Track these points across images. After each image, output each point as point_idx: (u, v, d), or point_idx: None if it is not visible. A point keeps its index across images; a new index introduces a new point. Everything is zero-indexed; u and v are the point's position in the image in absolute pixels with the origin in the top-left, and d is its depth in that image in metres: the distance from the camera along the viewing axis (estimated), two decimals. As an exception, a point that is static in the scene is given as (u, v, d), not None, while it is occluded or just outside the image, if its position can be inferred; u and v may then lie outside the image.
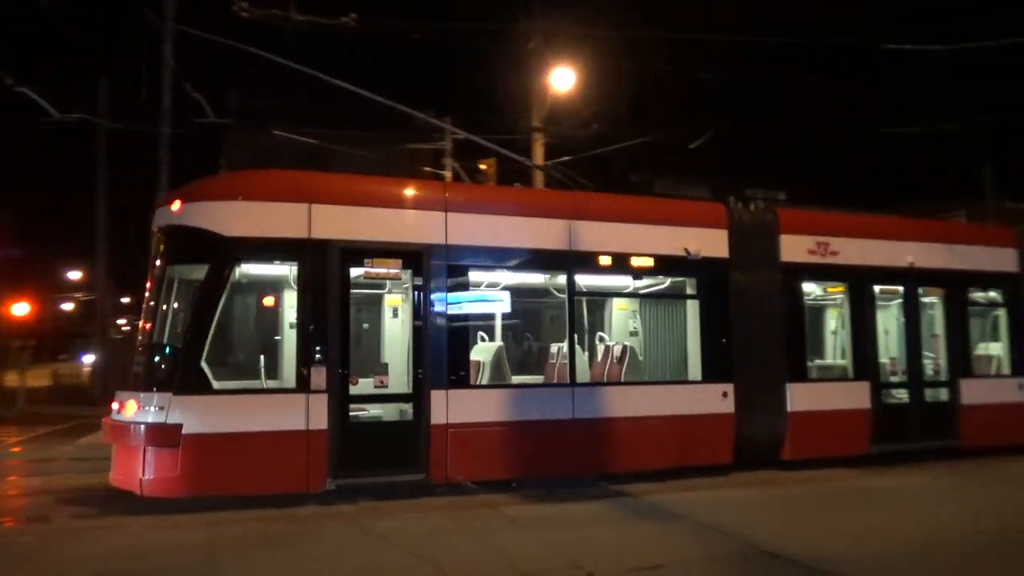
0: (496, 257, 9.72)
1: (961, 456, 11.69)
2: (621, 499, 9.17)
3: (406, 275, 9.35)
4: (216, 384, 8.66)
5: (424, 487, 9.15)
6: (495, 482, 9.50)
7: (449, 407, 9.14)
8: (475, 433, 9.23)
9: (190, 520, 8.04)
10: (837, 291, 11.86)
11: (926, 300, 12.14)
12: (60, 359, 44.95)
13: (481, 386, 9.78)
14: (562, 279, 10.11)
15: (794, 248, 11.12)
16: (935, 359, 12.11)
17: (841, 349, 12.27)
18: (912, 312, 11.87)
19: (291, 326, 9.28)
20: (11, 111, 20.46)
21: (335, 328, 8.86)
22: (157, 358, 8.87)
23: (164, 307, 9.08)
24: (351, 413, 8.95)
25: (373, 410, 9.32)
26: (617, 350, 10.64)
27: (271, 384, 9.19)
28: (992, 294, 12.75)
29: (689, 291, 10.79)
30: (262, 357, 9.38)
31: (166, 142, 16.13)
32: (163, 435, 8.29)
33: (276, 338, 9.58)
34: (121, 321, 49.70)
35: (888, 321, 12.21)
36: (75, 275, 45.68)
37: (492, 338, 10.82)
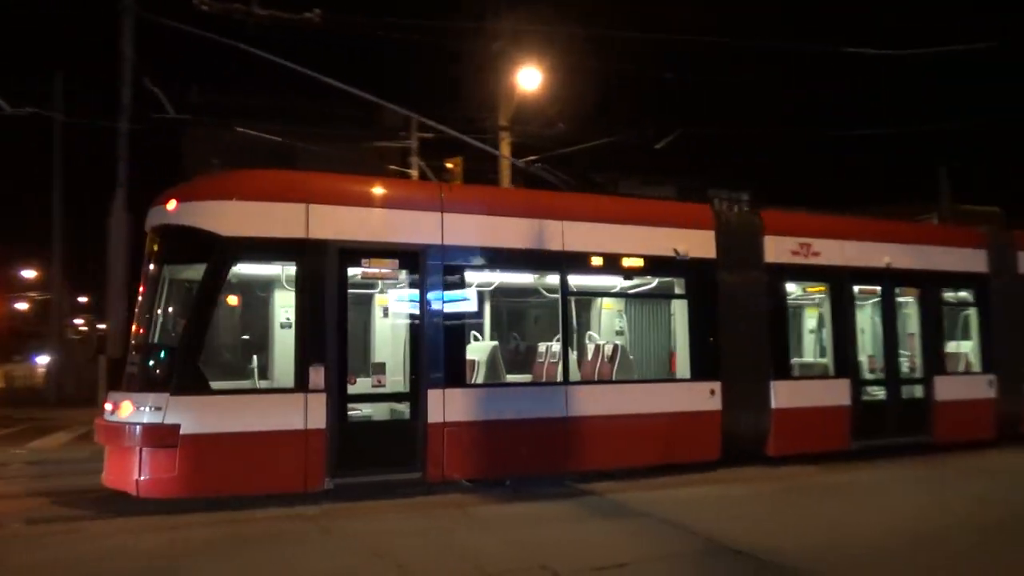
0: (491, 257, 9.81)
1: (934, 451, 12.07)
2: (587, 498, 9.23)
3: (403, 275, 9.41)
4: (214, 384, 8.63)
5: (421, 485, 9.20)
6: (490, 481, 9.62)
7: (446, 406, 9.20)
8: (471, 431, 9.31)
9: (152, 523, 7.93)
10: (818, 291, 12.18)
11: (902, 300, 12.51)
12: (14, 360, 43.82)
13: (477, 385, 9.88)
14: (555, 279, 10.24)
15: (778, 249, 11.40)
16: (910, 357, 12.51)
17: (822, 347, 12.59)
18: (889, 311, 12.24)
19: (288, 326, 9.25)
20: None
21: (333, 328, 8.87)
22: (153, 358, 8.83)
23: (159, 307, 9.02)
24: (349, 412, 8.97)
25: (371, 409, 9.35)
26: (608, 349, 10.81)
27: (269, 384, 9.16)
28: (963, 294, 13.19)
29: (678, 291, 11.00)
30: (259, 357, 9.35)
31: (124, 138, 15.78)
32: (160, 436, 8.23)
33: (274, 338, 9.55)
34: (78, 321, 48.73)
35: (866, 320, 12.57)
36: (30, 274, 44.60)
37: (487, 337, 10.90)
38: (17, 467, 12.18)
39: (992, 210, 37.28)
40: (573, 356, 10.48)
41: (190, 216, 8.87)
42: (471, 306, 9.91)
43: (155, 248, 9.18)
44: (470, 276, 9.76)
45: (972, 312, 13.20)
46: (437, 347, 9.29)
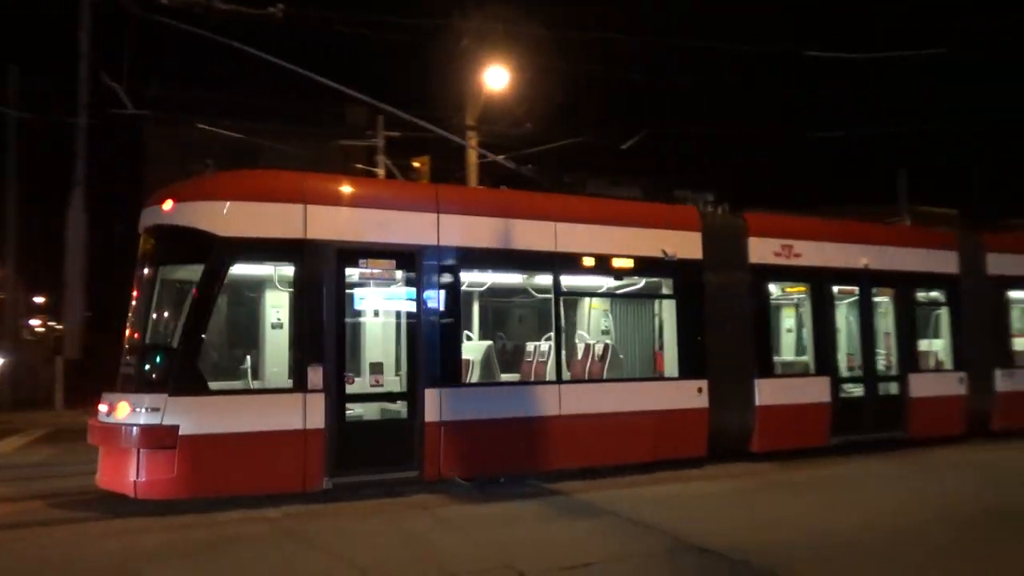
0: (486, 258, 9.92)
1: (909, 446, 12.45)
2: (555, 497, 9.23)
3: (400, 275, 9.46)
4: (212, 384, 8.60)
5: (418, 484, 9.26)
6: (486, 479, 9.72)
7: (442, 405, 9.28)
8: (467, 430, 9.40)
9: (108, 528, 7.82)
10: (800, 291, 12.50)
11: (878, 300, 12.89)
12: (-34, 362, 42.61)
13: (473, 384, 9.98)
14: (548, 279, 10.37)
15: (761, 250, 11.68)
16: (886, 355, 12.89)
17: (802, 346, 12.91)
18: (866, 311, 12.60)
19: (285, 326, 9.26)
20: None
21: (331, 328, 8.90)
22: (150, 359, 8.78)
23: (154, 308, 8.97)
24: (347, 412, 9.01)
25: (369, 409, 9.40)
26: (599, 348, 10.97)
27: (267, 384, 9.16)
28: (935, 294, 13.62)
29: (665, 291, 11.21)
30: (258, 357, 9.34)
31: (82, 133, 15.38)
32: (159, 437, 8.20)
33: (272, 338, 9.54)
34: (34, 322, 47.58)
35: (844, 319, 12.91)
36: (-18, 273, 43.46)
37: (482, 336, 11.01)
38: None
39: (949, 212, 38.42)
40: (565, 355, 10.62)
41: (187, 217, 8.84)
42: (467, 306, 10.01)
43: (150, 249, 9.13)
44: (465, 276, 9.86)
45: (943, 311, 13.63)
46: (433, 347, 9.37)
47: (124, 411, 8.41)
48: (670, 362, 11.06)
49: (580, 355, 11.08)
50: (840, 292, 12.49)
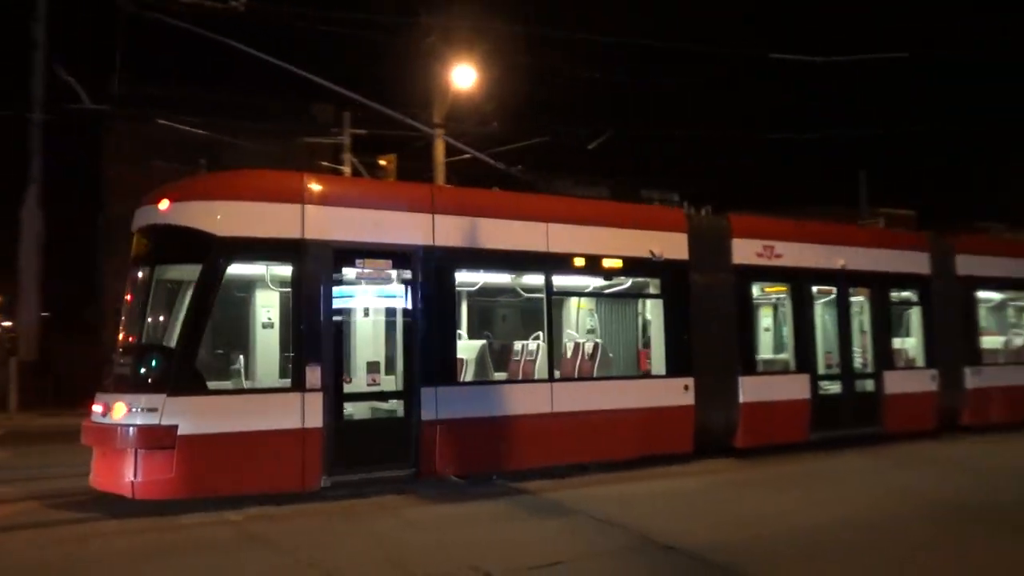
0: (480, 258, 10.05)
1: (884, 441, 12.83)
2: (521, 497, 9.21)
3: (396, 275, 9.53)
4: (210, 384, 8.60)
5: (415, 481, 9.35)
6: (480, 476, 9.84)
7: (438, 403, 9.38)
8: (463, 428, 9.51)
9: (67, 534, 7.66)
10: (780, 291, 12.81)
11: (854, 299, 13.27)
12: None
13: (468, 383, 10.11)
14: (540, 279, 10.52)
15: (744, 251, 11.96)
16: (862, 353, 13.27)
17: (783, 344, 13.23)
18: (843, 310, 12.97)
19: (283, 326, 9.29)
20: None
21: (328, 327, 8.96)
22: (147, 359, 8.74)
23: (150, 308, 8.93)
24: (345, 411, 9.07)
25: (366, 408, 9.46)
26: (588, 347, 11.15)
27: (265, 384, 9.19)
28: (908, 294, 14.04)
29: (653, 291, 11.44)
30: (256, 357, 9.36)
31: (37, 129, 15.14)
32: (157, 437, 8.19)
33: (270, 338, 9.56)
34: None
35: (823, 318, 13.25)
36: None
37: (475, 335, 11.12)
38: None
39: (908, 213, 39.38)
40: (557, 354, 10.78)
41: (184, 216, 8.83)
42: (462, 305, 10.12)
43: (146, 248, 9.10)
44: (460, 276, 9.98)
45: (916, 311, 14.06)
46: (429, 346, 9.47)
47: (121, 411, 8.36)
48: (657, 360, 11.29)
49: (571, 354, 11.25)
50: (819, 292, 12.85)
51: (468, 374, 10.39)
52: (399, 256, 9.44)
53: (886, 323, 13.42)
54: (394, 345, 9.73)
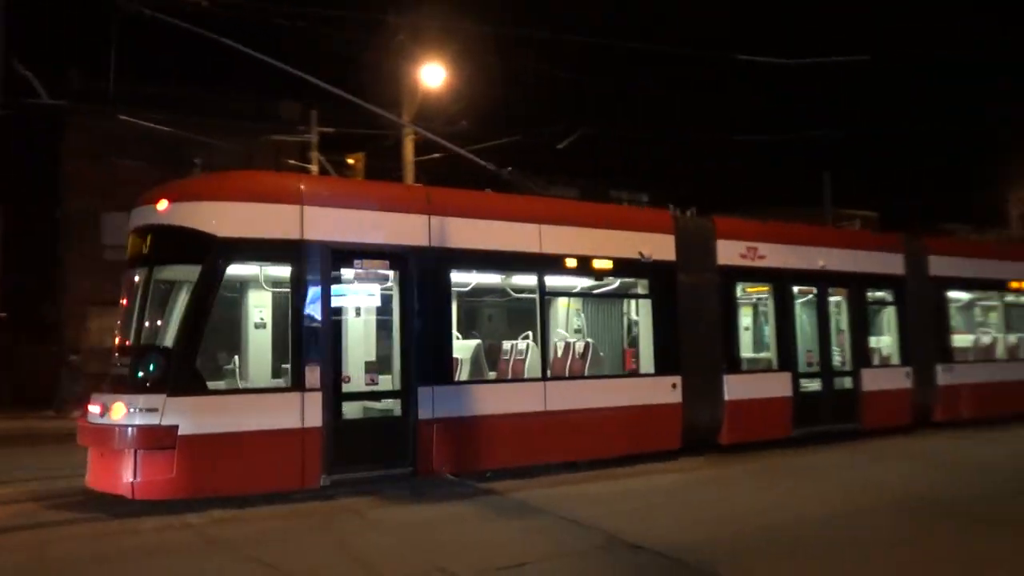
0: (475, 258, 10.18)
1: (862, 436, 13.20)
2: (489, 497, 9.15)
3: (393, 275, 9.62)
4: (210, 384, 8.62)
5: (412, 479, 9.44)
6: (476, 474, 9.93)
7: (435, 402, 9.50)
8: (459, 426, 9.64)
9: (22, 541, 7.47)
10: (763, 291, 13.12)
11: (833, 299, 13.63)
12: None
13: (464, 382, 10.23)
14: (533, 279, 10.68)
15: (729, 252, 12.24)
16: (841, 351, 13.64)
17: (765, 343, 13.54)
18: (823, 309, 13.32)
19: (283, 326, 9.33)
20: None
21: (327, 327, 9.03)
22: (146, 360, 8.71)
23: (149, 308, 8.92)
24: (343, 410, 9.15)
25: (364, 407, 9.54)
26: (579, 346, 11.34)
27: (265, 383, 9.22)
28: (883, 294, 14.45)
29: (641, 291, 11.67)
30: (255, 357, 9.38)
31: None
32: (158, 437, 8.21)
33: (269, 338, 9.60)
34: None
35: (803, 318, 13.59)
36: None
37: (470, 335, 11.24)
38: None
39: (870, 214, 40.23)
40: (550, 353, 10.95)
41: (184, 217, 8.84)
42: (457, 305, 10.23)
43: (144, 249, 9.07)
44: (456, 276, 10.11)
45: (891, 310, 14.48)
46: (426, 345, 9.59)
47: (120, 412, 8.36)
48: (646, 359, 11.50)
49: (563, 353, 11.43)
50: (799, 292, 13.18)
51: (463, 373, 10.52)
52: (396, 257, 9.54)
53: (863, 322, 13.81)
54: (391, 345, 9.82)
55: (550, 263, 10.65)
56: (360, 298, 9.53)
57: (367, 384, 9.48)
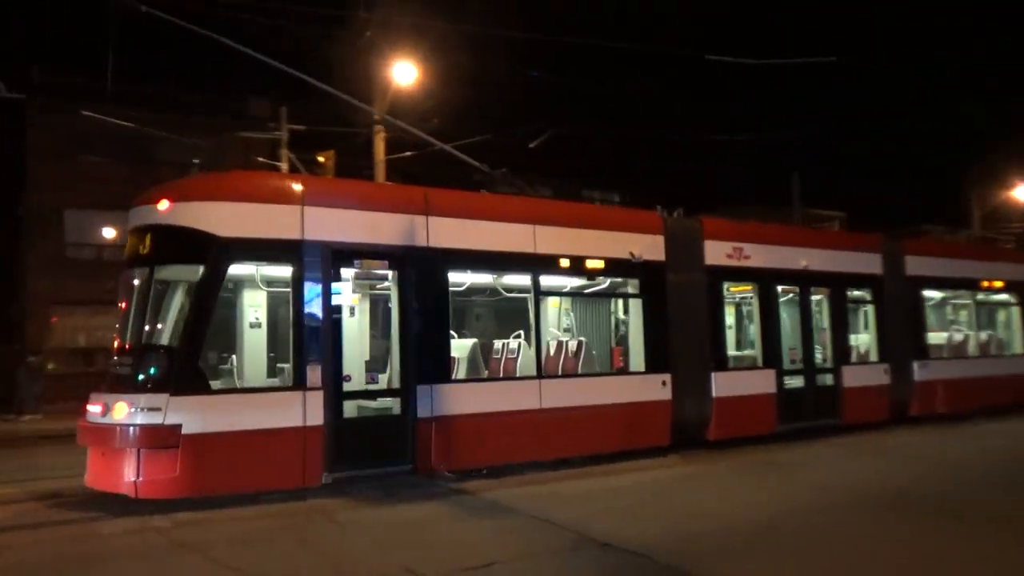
0: (471, 259, 10.31)
1: (843, 432, 13.54)
2: (459, 497, 9.10)
3: (392, 275, 9.73)
4: (213, 383, 8.67)
5: (412, 477, 9.55)
6: (473, 472, 10.06)
7: (433, 401, 9.62)
8: (457, 424, 9.77)
9: None
10: (748, 290, 13.42)
11: (815, 298, 13.98)
12: None
13: (461, 380, 10.35)
14: (528, 279, 10.84)
15: (716, 253, 12.52)
16: (823, 349, 13.99)
17: (751, 341, 13.84)
18: (805, 308, 13.66)
19: (283, 326, 9.39)
20: None
21: (328, 327, 9.11)
22: (148, 359, 8.74)
23: (149, 308, 8.93)
24: (344, 409, 9.23)
25: (364, 405, 9.63)
26: (573, 345, 11.52)
27: (266, 382, 9.26)
28: (863, 293, 14.84)
29: (632, 290, 11.89)
30: (256, 356, 9.42)
31: None
32: (161, 436, 8.25)
33: (270, 338, 9.64)
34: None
35: (786, 316, 13.92)
36: None
37: (467, 334, 11.37)
38: None
39: (838, 214, 41.00)
40: (544, 352, 11.12)
41: (185, 217, 8.86)
42: (455, 305, 10.35)
43: (144, 249, 9.06)
44: (453, 276, 10.22)
45: (870, 309, 14.88)
46: (424, 344, 9.70)
47: (122, 411, 8.37)
48: (637, 357, 11.71)
49: (556, 352, 11.61)
50: (783, 291, 13.51)
51: (461, 372, 10.65)
52: (395, 257, 9.64)
53: (844, 321, 14.18)
54: (390, 344, 9.92)
55: (544, 263, 10.82)
56: (360, 297, 9.62)
57: (367, 383, 9.57)
